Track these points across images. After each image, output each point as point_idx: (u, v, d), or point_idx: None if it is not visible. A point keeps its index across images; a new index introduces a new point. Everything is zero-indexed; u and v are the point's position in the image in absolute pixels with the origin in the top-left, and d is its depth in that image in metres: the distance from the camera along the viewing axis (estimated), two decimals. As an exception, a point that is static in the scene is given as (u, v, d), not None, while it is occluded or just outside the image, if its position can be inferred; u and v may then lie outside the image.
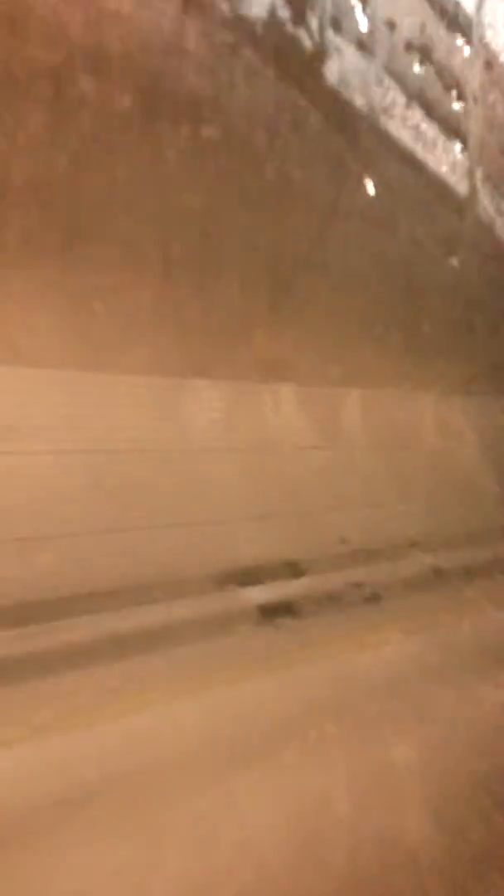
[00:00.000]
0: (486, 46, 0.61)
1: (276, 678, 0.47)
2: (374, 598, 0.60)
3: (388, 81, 0.51)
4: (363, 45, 0.48)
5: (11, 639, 0.38)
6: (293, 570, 0.50)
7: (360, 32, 0.48)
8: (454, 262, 0.61)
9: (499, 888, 0.66)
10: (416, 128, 0.54)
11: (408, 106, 0.53)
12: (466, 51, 0.58)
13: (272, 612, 0.48)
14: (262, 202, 0.45)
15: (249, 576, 0.48)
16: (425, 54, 0.54)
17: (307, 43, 0.45)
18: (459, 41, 0.58)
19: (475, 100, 0.59)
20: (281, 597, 0.48)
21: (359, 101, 0.49)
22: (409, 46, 0.53)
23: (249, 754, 0.48)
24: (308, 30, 0.45)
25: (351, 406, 0.51)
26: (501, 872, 0.68)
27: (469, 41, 0.58)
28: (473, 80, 0.59)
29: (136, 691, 0.42)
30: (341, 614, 0.52)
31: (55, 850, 0.37)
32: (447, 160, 0.58)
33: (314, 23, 0.45)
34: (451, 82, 0.57)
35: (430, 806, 0.62)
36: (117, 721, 0.42)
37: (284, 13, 0.44)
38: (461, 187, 0.60)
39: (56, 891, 0.37)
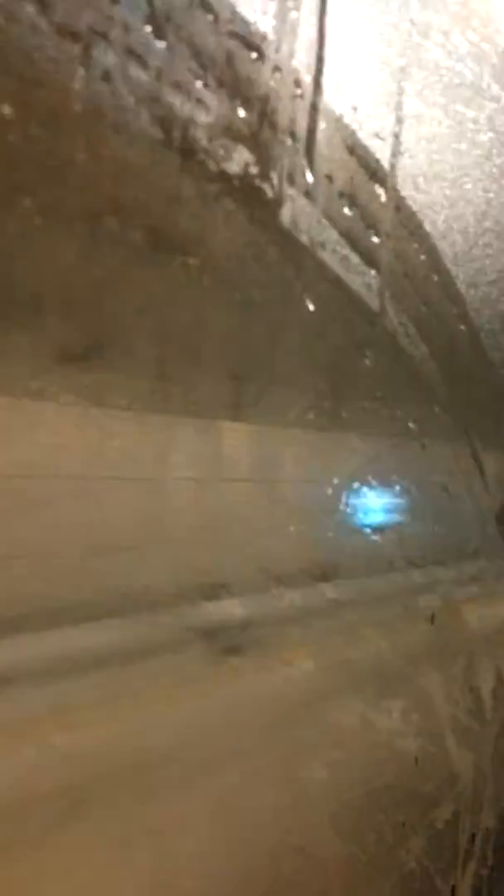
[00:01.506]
0: (397, 192, 0.73)
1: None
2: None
3: (325, 222, 0.62)
4: (309, 195, 0.59)
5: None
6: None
7: (307, 184, 0.59)
8: (367, 361, 0.73)
9: (384, 890, 0.74)
10: (344, 258, 0.65)
11: (338, 241, 0.64)
12: (383, 197, 0.71)
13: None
14: (231, 317, 0.54)
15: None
16: (353, 200, 0.65)
17: (270, 193, 0.55)
18: (378, 189, 0.70)
19: (387, 235, 0.71)
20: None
21: (304, 238, 0.59)
22: (341, 195, 0.64)
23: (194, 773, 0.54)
24: (270, 183, 0.55)
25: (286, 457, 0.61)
26: (388, 876, 0.77)
27: (385, 189, 0.71)
28: (387, 219, 0.71)
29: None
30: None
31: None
32: (364, 283, 0.70)
33: (275, 178, 0.56)
34: (371, 222, 0.69)
35: (334, 819, 0.69)
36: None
37: (254, 170, 0.54)
38: (374, 304, 0.72)
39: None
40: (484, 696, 0.93)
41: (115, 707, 0.47)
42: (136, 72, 0.44)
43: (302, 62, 0.59)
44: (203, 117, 0.49)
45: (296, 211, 0.58)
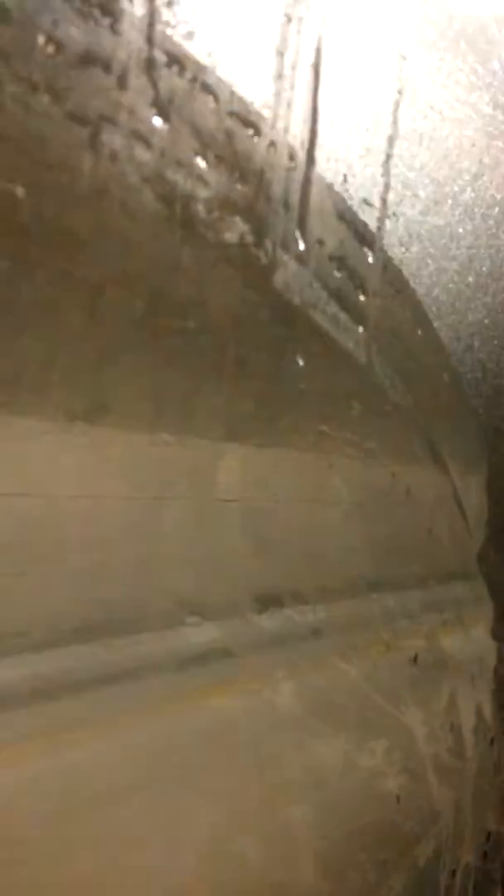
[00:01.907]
0: (384, 253, 0.76)
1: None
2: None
3: (316, 284, 0.64)
4: (301, 259, 0.61)
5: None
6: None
7: (299, 250, 0.61)
8: (354, 412, 0.75)
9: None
10: (334, 317, 0.68)
11: (328, 301, 0.66)
12: (370, 258, 0.73)
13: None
14: (226, 374, 0.56)
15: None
16: (342, 262, 0.68)
17: (264, 259, 0.57)
18: (366, 251, 0.72)
19: (374, 294, 0.74)
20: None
21: (296, 300, 0.62)
22: (331, 258, 0.66)
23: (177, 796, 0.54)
24: (265, 249, 0.57)
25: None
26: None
27: (373, 251, 0.73)
28: (374, 279, 0.73)
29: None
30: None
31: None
32: (353, 339, 0.72)
33: (269, 245, 0.58)
34: (359, 282, 0.71)
35: (319, 859, 0.70)
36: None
37: (250, 238, 0.56)
38: (362, 357, 0.74)
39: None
40: (465, 733, 0.94)
41: (82, 737, 0.47)
42: (141, 152, 0.47)
43: (296, 136, 0.61)
44: (203, 192, 0.51)
45: (288, 275, 0.61)
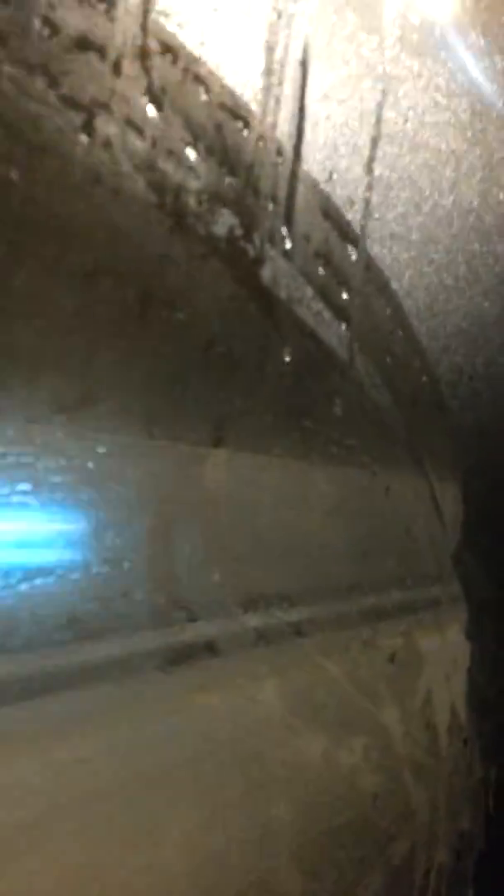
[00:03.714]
0: (367, 253, 0.77)
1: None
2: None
3: (301, 280, 0.65)
4: (287, 255, 0.62)
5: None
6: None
7: (285, 246, 0.61)
8: (337, 409, 0.75)
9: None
10: (318, 313, 0.68)
11: (313, 298, 0.67)
12: (354, 257, 0.74)
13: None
14: (213, 367, 0.56)
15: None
16: (327, 260, 0.68)
17: (252, 253, 0.57)
18: (350, 249, 0.73)
19: (357, 292, 0.75)
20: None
21: (282, 294, 0.62)
22: (317, 255, 0.67)
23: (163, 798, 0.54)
24: (253, 244, 0.58)
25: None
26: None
27: (356, 249, 0.74)
28: (357, 277, 0.74)
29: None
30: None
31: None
32: (336, 335, 0.72)
33: (257, 239, 0.58)
34: (343, 280, 0.72)
35: (297, 856, 0.70)
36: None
37: (239, 232, 0.56)
38: (344, 355, 0.75)
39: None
40: (440, 733, 0.95)
41: (67, 734, 0.46)
42: (134, 140, 0.46)
43: (284, 132, 0.62)
44: (193, 183, 0.51)
45: (275, 270, 0.61)
